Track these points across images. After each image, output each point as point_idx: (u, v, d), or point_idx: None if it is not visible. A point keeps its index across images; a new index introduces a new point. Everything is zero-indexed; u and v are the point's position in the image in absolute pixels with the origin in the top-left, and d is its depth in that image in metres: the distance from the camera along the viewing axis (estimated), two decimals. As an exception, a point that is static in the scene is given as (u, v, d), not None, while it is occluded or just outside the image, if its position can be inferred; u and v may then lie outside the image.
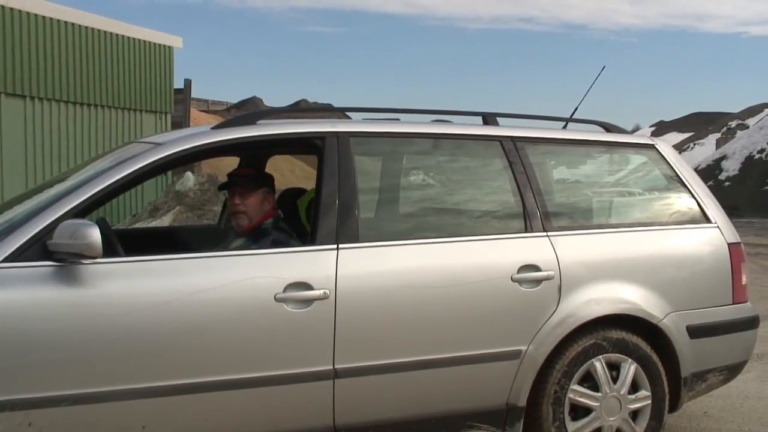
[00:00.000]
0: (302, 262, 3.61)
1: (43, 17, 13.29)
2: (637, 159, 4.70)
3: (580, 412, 4.08)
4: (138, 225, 12.84)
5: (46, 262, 3.24)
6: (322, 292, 3.55)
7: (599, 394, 4.09)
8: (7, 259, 3.20)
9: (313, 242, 3.68)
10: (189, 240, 5.04)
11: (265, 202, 4.13)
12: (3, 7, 12.46)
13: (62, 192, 3.51)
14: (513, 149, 4.17)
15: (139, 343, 3.30)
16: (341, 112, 5.86)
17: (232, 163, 5.02)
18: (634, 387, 4.18)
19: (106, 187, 3.44)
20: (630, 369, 4.14)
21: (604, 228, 4.29)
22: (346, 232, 3.69)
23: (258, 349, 3.48)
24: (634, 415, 4.19)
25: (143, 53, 15.80)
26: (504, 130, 4.24)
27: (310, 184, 4.66)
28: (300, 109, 9.65)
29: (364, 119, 4.27)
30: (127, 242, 3.93)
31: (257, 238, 4.02)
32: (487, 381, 3.89)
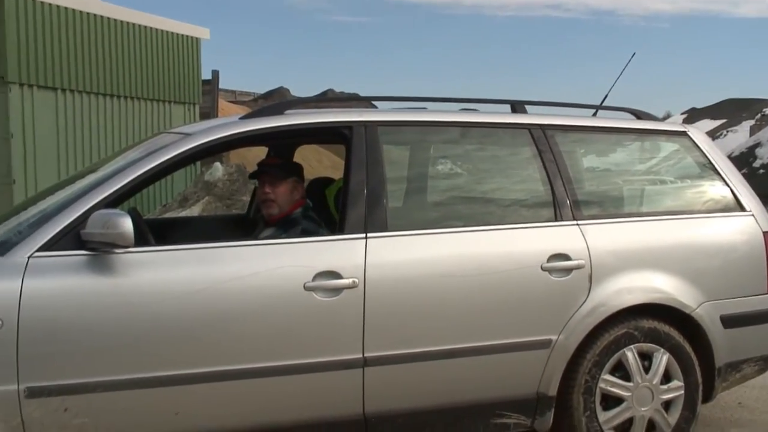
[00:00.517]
0: (331, 251, 3.62)
1: (73, 10, 13.39)
2: (669, 146, 4.64)
3: (611, 401, 4.06)
4: (168, 215, 12.93)
5: (79, 251, 3.28)
6: (351, 280, 3.55)
7: (631, 384, 4.06)
8: (41, 249, 3.24)
9: (341, 231, 3.68)
10: (218, 229, 5.07)
11: (295, 192, 4.15)
12: (35, 1, 12.57)
13: (94, 182, 3.55)
14: (542, 137, 4.14)
15: (171, 330, 3.34)
16: (368, 102, 5.86)
17: (260, 153, 5.03)
18: (667, 377, 4.14)
19: (137, 178, 3.47)
20: (662, 359, 4.11)
21: (635, 216, 4.25)
22: (375, 221, 3.69)
23: (288, 338, 3.49)
24: (667, 405, 4.15)
25: (171, 45, 15.87)
26: (533, 118, 4.21)
27: (337, 174, 4.67)
28: (327, 99, 9.64)
29: (391, 108, 4.26)
30: (157, 232, 3.96)
31: (286, 227, 4.03)
32: (517, 370, 3.87)
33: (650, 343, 4.09)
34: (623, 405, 4.06)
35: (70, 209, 3.35)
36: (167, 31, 15.74)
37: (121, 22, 14.51)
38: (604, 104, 4.68)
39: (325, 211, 4.41)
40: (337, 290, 3.54)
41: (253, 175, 4.30)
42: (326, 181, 4.73)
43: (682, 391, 4.17)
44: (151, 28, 15.27)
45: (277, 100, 13.69)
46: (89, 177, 3.82)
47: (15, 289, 3.15)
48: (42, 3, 12.73)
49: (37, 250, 3.24)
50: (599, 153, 4.57)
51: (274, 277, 3.49)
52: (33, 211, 3.73)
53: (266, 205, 4.14)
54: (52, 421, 3.20)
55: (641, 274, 4.07)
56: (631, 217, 4.24)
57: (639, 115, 4.62)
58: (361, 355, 3.58)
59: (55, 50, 13.03)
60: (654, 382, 4.10)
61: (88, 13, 13.71)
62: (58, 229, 3.28)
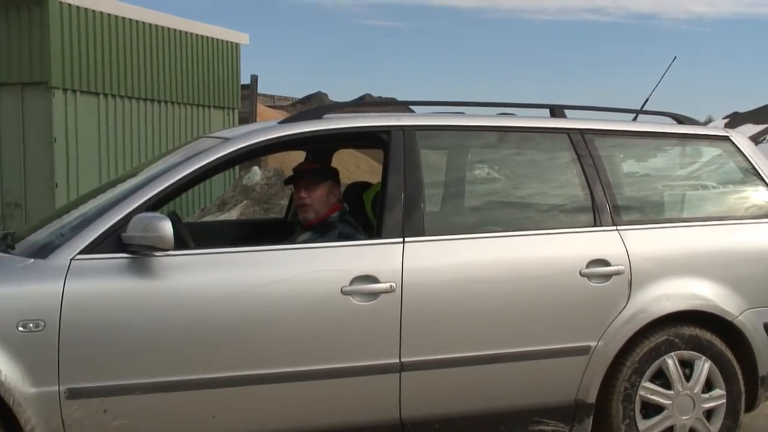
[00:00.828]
0: (368, 256, 3.62)
1: (115, 16, 13.57)
2: (710, 151, 4.58)
3: (651, 410, 4.01)
4: (206, 219, 13.04)
5: (120, 254, 3.32)
6: (388, 285, 3.55)
7: (671, 392, 4.00)
8: (83, 251, 3.28)
9: (379, 235, 3.68)
10: (256, 233, 5.10)
11: (331, 195, 4.16)
12: (78, 7, 12.77)
13: (135, 186, 3.59)
14: (581, 142, 4.10)
15: (209, 334, 3.36)
16: (405, 106, 5.87)
17: (298, 157, 5.05)
18: (708, 385, 4.08)
19: (177, 181, 3.51)
20: (704, 367, 4.05)
21: (676, 222, 4.20)
22: (412, 226, 3.69)
23: (325, 342, 3.50)
24: (708, 414, 4.09)
25: (211, 50, 16.02)
26: (572, 122, 4.18)
27: (374, 179, 4.67)
28: (365, 103, 9.66)
29: (429, 113, 4.26)
30: (196, 235, 3.99)
31: (324, 231, 4.04)
32: (555, 377, 3.84)
33: (691, 351, 4.03)
34: (664, 413, 4.01)
35: (112, 212, 3.39)
36: (207, 37, 15.90)
37: (162, 27, 14.68)
38: (644, 108, 4.63)
39: (362, 216, 4.42)
40: (374, 294, 3.54)
41: (288, 181, 4.32)
42: (364, 186, 4.74)
43: (724, 400, 4.10)
44: (191, 33, 15.43)
45: (314, 105, 13.76)
46: (130, 181, 3.87)
47: (57, 291, 3.19)
48: (85, 9, 12.93)
49: (79, 253, 3.28)
50: (639, 158, 4.52)
51: (311, 281, 3.50)
52: (75, 214, 3.78)
53: (302, 210, 4.15)
54: (91, 422, 3.23)
55: (682, 280, 4.02)
56: (672, 222, 4.19)
57: (680, 119, 4.56)
58: (397, 360, 3.57)
59: (97, 56, 13.22)
60: (695, 391, 4.04)
61: (129, 20, 13.90)
62: (99, 232, 3.32)
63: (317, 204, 4.12)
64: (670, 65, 5.00)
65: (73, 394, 3.19)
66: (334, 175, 4.27)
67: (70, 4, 12.61)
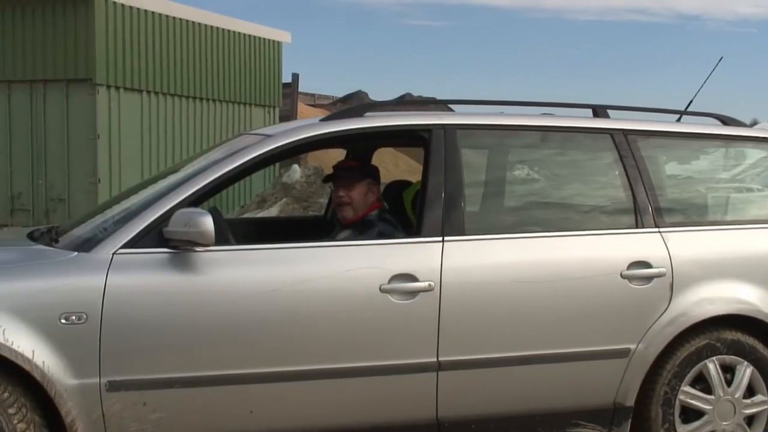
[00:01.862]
0: (407, 254, 3.62)
1: (159, 14, 13.73)
2: (756, 153, 4.50)
3: (691, 414, 3.96)
4: (246, 215, 13.13)
5: (161, 249, 3.35)
6: (427, 284, 3.55)
7: (712, 397, 3.95)
8: (125, 246, 3.32)
9: (418, 234, 3.68)
10: (295, 231, 5.12)
11: (370, 194, 4.15)
12: (123, 5, 12.94)
13: (177, 182, 3.63)
14: (624, 142, 4.06)
15: (248, 330, 3.38)
16: (445, 105, 5.86)
17: (337, 155, 5.07)
18: (750, 391, 4.01)
19: (219, 177, 3.53)
20: (746, 372, 3.98)
21: (719, 225, 4.14)
22: (452, 225, 3.68)
23: (362, 339, 3.50)
24: (750, 420, 4.02)
25: (253, 48, 16.13)
26: (615, 122, 4.13)
27: (413, 178, 4.67)
28: (405, 102, 9.67)
29: (469, 112, 4.24)
30: (236, 232, 4.02)
31: (363, 229, 4.04)
32: (593, 379, 3.81)
33: (733, 356, 3.97)
34: (704, 418, 3.95)
35: (154, 207, 3.43)
36: (250, 35, 16.01)
37: (206, 26, 14.82)
38: (689, 109, 4.57)
39: (401, 214, 4.41)
40: (413, 293, 3.54)
41: (327, 179, 4.33)
42: (403, 184, 4.73)
43: (767, 406, 4.04)
44: (234, 31, 15.56)
45: (355, 104, 13.78)
46: (172, 177, 3.90)
47: (99, 285, 3.24)
48: (129, 7, 13.10)
49: (121, 247, 3.32)
50: (683, 159, 4.46)
51: (350, 278, 3.51)
52: (117, 209, 3.83)
53: (341, 209, 4.16)
54: (131, 414, 3.27)
55: (725, 284, 3.96)
56: (715, 225, 4.13)
57: (725, 120, 4.49)
58: (435, 359, 3.57)
59: (141, 53, 13.38)
60: (736, 396, 3.98)
61: (173, 17, 14.05)
62: (141, 227, 3.36)
63: (356, 202, 4.12)
64: (716, 66, 4.93)
65: (114, 386, 3.23)
66: (373, 173, 4.27)
67: (115, 2, 12.79)
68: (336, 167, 4.33)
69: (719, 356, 3.95)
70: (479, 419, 3.69)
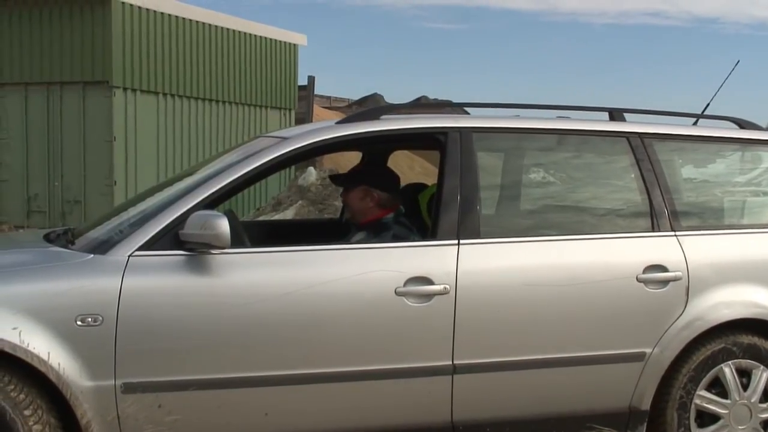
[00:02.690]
0: (423, 257, 3.62)
1: (176, 17, 13.79)
2: (773, 157, 4.47)
3: (706, 418, 3.93)
4: (261, 218, 13.16)
5: (177, 251, 3.36)
6: (442, 287, 3.54)
7: (728, 401, 3.93)
8: (141, 248, 3.34)
9: (434, 237, 3.68)
10: (311, 233, 5.13)
11: (367, 199, 4.13)
12: (140, 7, 13.01)
13: (193, 184, 3.63)
14: (640, 146, 4.04)
15: (263, 332, 3.38)
16: (461, 108, 5.84)
17: (353, 158, 5.07)
18: (766, 395, 3.99)
19: (235, 180, 3.54)
20: (762, 376, 3.96)
21: (735, 228, 4.12)
22: (467, 228, 3.68)
23: (377, 342, 3.50)
24: (766, 424, 4.00)
25: (269, 51, 16.17)
26: (631, 126, 4.12)
27: (428, 180, 4.66)
28: (421, 105, 9.67)
29: (485, 116, 4.23)
30: (251, 234, 4.03)
31: (378, 232, 4.05)
32: (609, 383, 3.80)
33: (749, 360, 3.95)
34: (720, 423, 3.93)
35: (170, 210, 3.44)
36: (266, 38, 16.05)
37: (222, 28, 14.87)
38: (705, 113, 4.55)
39: (417, 217, 4.41)
40: (428, 296, 3.53)
41: (335, 181, 4.44)
42: (419, 187, 4.73)
43: (784, 411, 4.01)
44: (250, 34, 15.60)
45: (371, 106, 13.79)
46: (188, 179, 3.92)
47: (115, 287, 3.25)
48: (147, 10, 13.16)
49: (137, 249, 3.33)
50: (700, 162, 4.44)
51: (365, 281, 3.51)
52: (133, 211, 3.85)
53: (347, 212, 4.25)
54: (146, 416, 3.28)
55: (741, 287, 3.94)
56: (732, 228, 4.11)
57: (742, 124, 4.47)
58: (450, 362, 3.56)
59: (158, 56, 13.44)
60: (753, 400, 3.95)
61: (190, 20, 14.11)
62: (157, 229, 3.37)
63: (353, 207, 4.21)
64: (732, 69, 4.91)
65: (129, 388, 3.25)
66: (368, 178, 4.25)
67: (132, 4, 12.85)
68: (330, 176, 4.41)
69: (735, 360, 3.93)
70: (494, 422, 3.68)
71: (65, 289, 3.23)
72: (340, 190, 4.63)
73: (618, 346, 3.77)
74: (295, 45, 16.97)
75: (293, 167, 14.45)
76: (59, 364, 3.16)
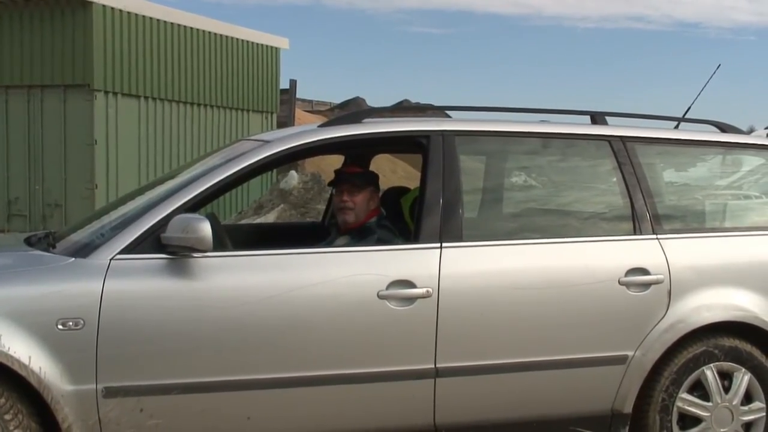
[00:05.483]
0: (406, 260, 3.62)
1: (157, 20, 13.72)
2: (754, 161, 4.51)
3: (688, 421, 3.95)
4: (243, 222, 13.12)
5: (159, 254, 3.34)
6: (425, 290, 3.54)
7: (710, 404, 3.95)
8: (123, 251, 3.32)
9: (416, 240, 3.68)
10: (293, 237, 5.12)
11: (371, 201, 4.16)
12: (121, 11, 12.94)
13: (175, 187, 3.62)
14: (622, 149, 4.06)
15: (245, 335, 3.37)
16: (443, 111, 5.86)
17: (335, 161, 5.06)
18: (748, 398, 4.01)
19: (217, 183, 3.53)
20: (743, 379, 3.98)
21: (717, 232, 4.15)
22: (450, 231, 3.68)
23: (360, 346, 3.50)
24: (747, 427, 4.02)
25: (251, 54, 16.13)
26: (613, 129, 4.14)
27: (411, 184, 4.66)
28: (403, 108, 9.68)
29: (467, 119, 4.24)
30: (233, 238, 4.01)
31: (361, 235, 4.04)
32: (591, 386, 3.81)
33: (731, 362, 3.97)
34: (701, 425, 3.95)
35: (151, 213, 3.42)
36: (248, 41, 16.01)
37: (204, 31, 14.82)
38: (686, 116, 4.58)
39: (400, 221, 4.41)
40: (411, 299, 3.53)
41: (332, 183, 4.34)
42: (401, 191, 4.74)
43: (764, 413, 4.03)
44: (232, 37, 15.55)
45: (353, 110, 13.78)
46: (170, 182, 3.90)
47: (96, 290, 3.23)
48: (128, 13, 13.10)
49: (119, 253, 3.31)
50: (681, 166, 4.47)
51: (347, 284, 3.50)
52: (115, 214, 3.83)
53: (343, 213, 4.15)
54: (127, 420, 3.26)
55: (722, 290, 3.97)
56: (713, 232, 4.14)
57: (723, 128, 4.50)
58: (432, 366, 3.56)
59: (139, 59, 13.37)
60: (734, 403, 3.98)
61: (171, 23, 14.05)
62: (139, 233, 3.35)
63: (359, 208, 4.13)
64: (713, 73, 4.95)
65: (111, 392, 3.22)
66: (376, 180, 4.28)
67: (113, 8, 12.78)
68: (341, 172, 4.32)
69: (717, 363, 3.95)
70: (477, 426, 3.69)
71: (46, 292, 3.21)
72: (324, 193, 4.60)
73: (600, 349, 3.78)
74: (277, 48, 16.94)
75: (275, 171, 14.40)
76: (40, 368, 3.13)
